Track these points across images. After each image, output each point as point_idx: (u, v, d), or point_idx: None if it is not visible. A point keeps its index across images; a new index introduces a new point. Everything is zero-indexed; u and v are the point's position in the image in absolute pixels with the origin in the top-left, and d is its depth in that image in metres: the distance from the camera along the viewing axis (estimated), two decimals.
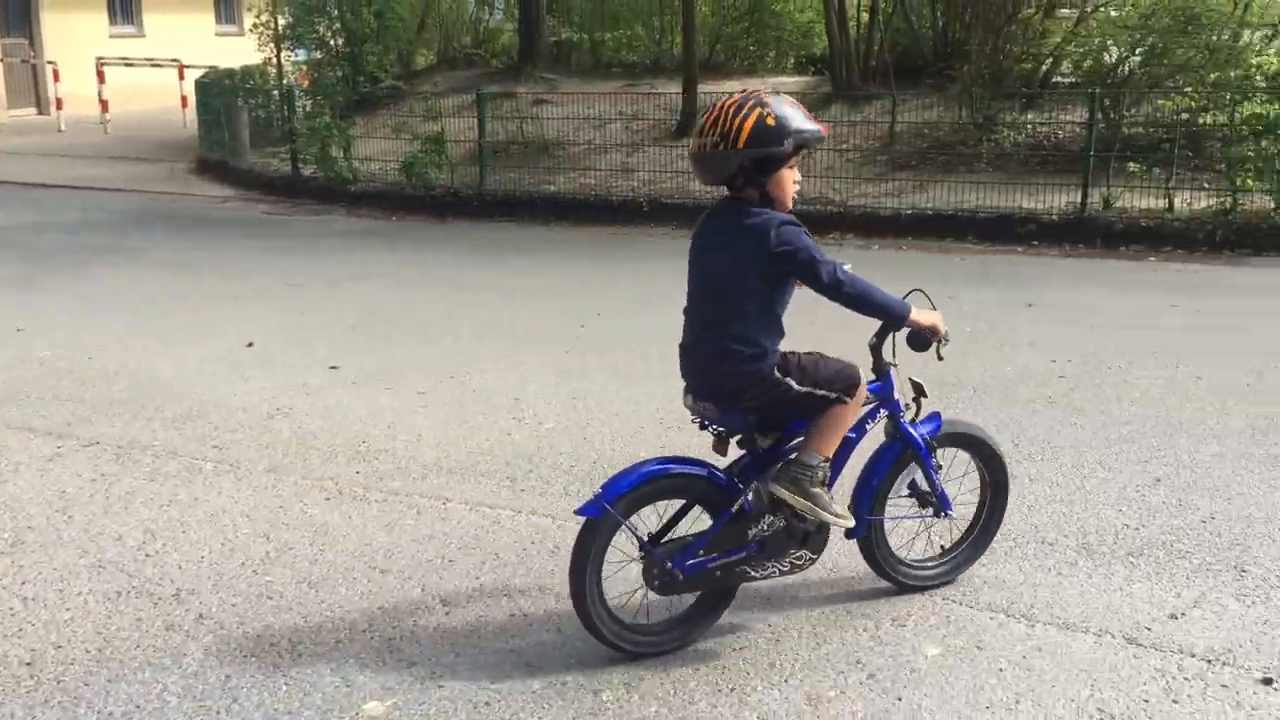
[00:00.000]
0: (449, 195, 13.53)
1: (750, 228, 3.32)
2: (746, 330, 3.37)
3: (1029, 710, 3.16)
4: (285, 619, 3.73)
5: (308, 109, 15.36)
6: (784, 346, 3.46)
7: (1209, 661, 3.42)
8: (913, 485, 3.85)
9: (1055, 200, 10.94)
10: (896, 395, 3.71)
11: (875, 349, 3.66)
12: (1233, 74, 10.61)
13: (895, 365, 3.69)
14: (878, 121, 13.33)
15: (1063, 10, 13.35)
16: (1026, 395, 6.00)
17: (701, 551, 3.45)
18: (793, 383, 3.39)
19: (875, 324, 3.58)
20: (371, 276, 9.43)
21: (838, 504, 3.50)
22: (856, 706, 3.20)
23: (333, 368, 6.70)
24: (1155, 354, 6.66)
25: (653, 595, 3.48)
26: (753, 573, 3.54)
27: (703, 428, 3.60)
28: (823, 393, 3.42)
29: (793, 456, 3.47)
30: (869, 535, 3.75)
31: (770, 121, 3.24)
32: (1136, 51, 11.93)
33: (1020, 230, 10.78)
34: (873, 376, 3.64)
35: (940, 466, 3.84)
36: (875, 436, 3.75)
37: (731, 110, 3.26)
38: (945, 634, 3.59)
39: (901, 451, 3.75)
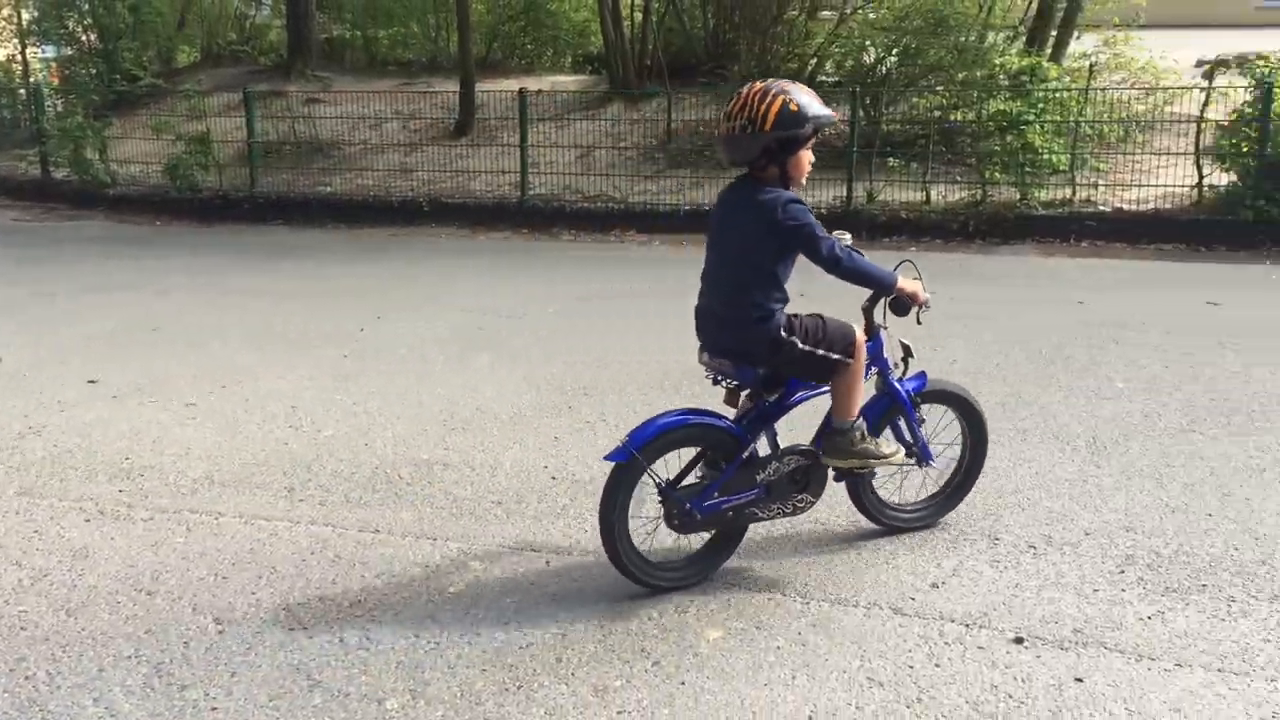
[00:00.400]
0: (217, 198, 12.98)
1: (763, 203, 3.68)
2: (756, 295, 3.74)
3: (804, 684, 3.29)
4: (42, 650, 3.50)
5: (59, 109, 14.44)
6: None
7: (967, 625, 3.64)
8: (898, 435, 4.21)
9: (824, 195, 11.41)
10: (886, 354, 4.13)
11: (867, 313, 4.06)
12: (979, 73, 11.31)
13: (885, 328, 4.09)
14: (655, 119, 13.56)
15: (825, 12, 13.92)
16: None
17: (716, 494, 3.85)
18: (797, 341, 3.77)
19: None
20: (132, 284, 8.95)
21: (886, 445, 4.03)
22: (642, 694, 3.25)
23: (90, 381, 6.33)
24: (914, 341, 7.01)
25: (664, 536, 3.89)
26: (760, 514, 3.96)
27: (715, 383, 3.95)
28: (823, 353, 3.82)
29: (829, 429, 3.95)
30: (857, 481, 4.17)
31: (794, 107, 3.62)
32: (893, 52, 12.57)
33: None
34: (865, 337, 4.00)
35: (923, 420, 4.25)
36: (866, 391, 4.05)
37: (757, 97, 3.63)
38: (726, 617, 3.69)
39: (889, 405, 4.17)
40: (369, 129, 14.21)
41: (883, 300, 3.98)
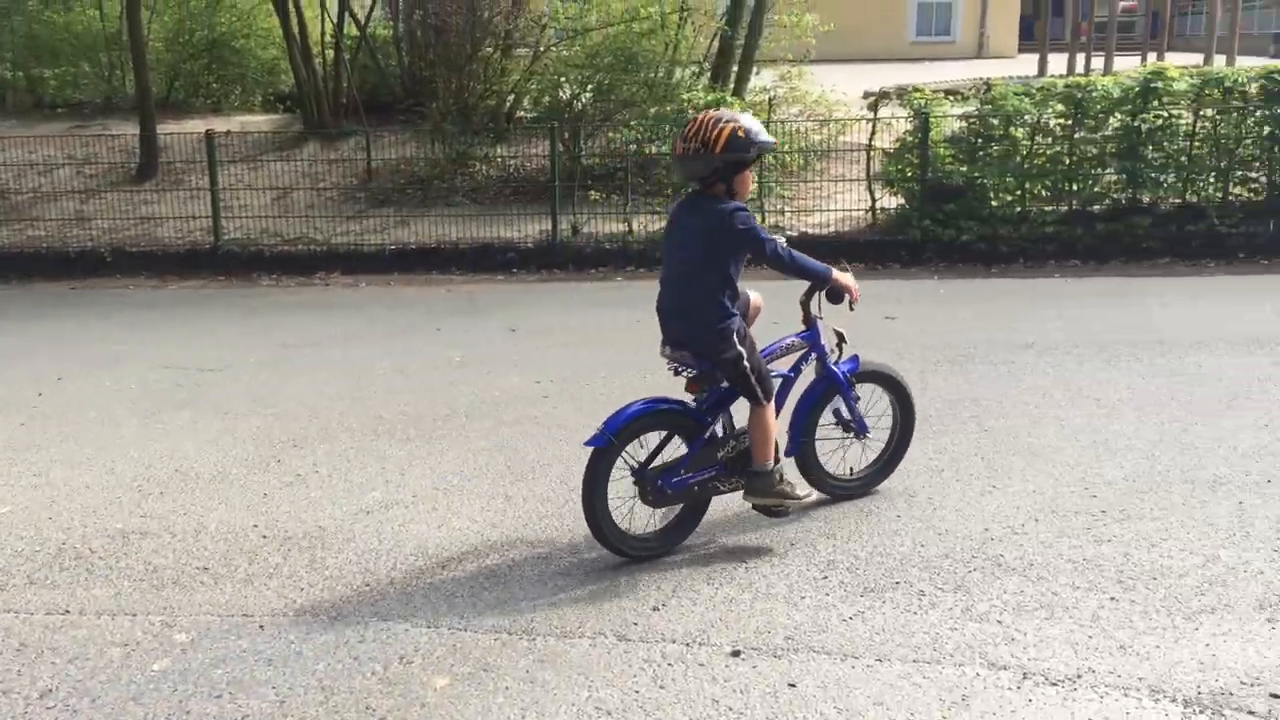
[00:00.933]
0: None
1: (718, 212, 4.24)
2: (713, 294, 4.28)
3: None
4: None
5: None
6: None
7: (687, 644, 3.76)
8: (837, 414, 4.82)
9: (530, 229, 11.55)
10: (823, 341, 4.72)
11: (805, 304, 4.62)
12: (669, 108, 11.79)
13: (821, 318, 4.68)
14: (354, 159, 13.30)
15: (520, 50, 14.12)
16: (514, 416, 6.27)
17: (684, 471, 4.41)
18: (744, 354, 4.33)
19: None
20: None
21: (800, 487, 4.64)
22: None
23: None
24: (627, 367, 7.23)
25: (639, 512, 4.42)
26: (721, 487, 4.52)
27: (676, 374, 4.48)
28: (754, 382, 4.36)
29: (751, 470, 4.45)
30: (804, 455, 4.76)
31: (741, 134, 4.20)
32: (587, 88, 12.89)
33: (501, 259, 11.25)
34: (804, 328, 4.67)
35: (859, 398, 4.84)
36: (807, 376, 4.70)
37: (710, 123, 4.21)
38: (452, 663, 3.65)
39: (827, 387, 4.79)
40: (38, 176, 13.19)
41: (819, 292, 4.55)
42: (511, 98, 14.04)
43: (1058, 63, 21.85)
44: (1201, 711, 3.32)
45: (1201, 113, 10.32)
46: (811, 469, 4.82)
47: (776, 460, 4.48)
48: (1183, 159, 10.38)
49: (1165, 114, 10.31)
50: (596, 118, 12.66)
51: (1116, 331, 7.62)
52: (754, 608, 4.01)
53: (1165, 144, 10.36)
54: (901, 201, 10.99)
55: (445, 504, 5.07)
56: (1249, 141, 10.25)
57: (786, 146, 11.71)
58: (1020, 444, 5.57)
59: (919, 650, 3.69)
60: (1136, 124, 10.26)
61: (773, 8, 13.86)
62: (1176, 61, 17.67)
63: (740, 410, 4.53)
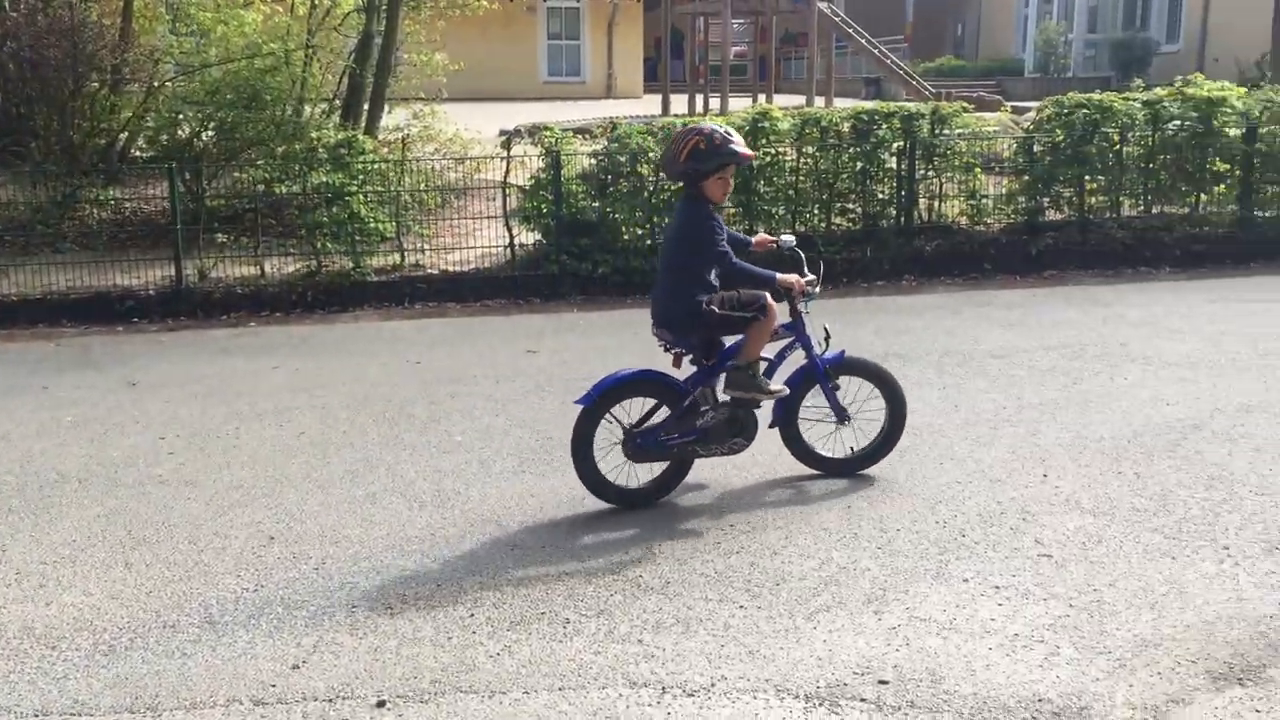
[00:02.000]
0: None
1: (683, 213, 5.10)
2: (683, 281, 5.02)
3: None
4: None
5: None
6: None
7: (330, 700, 3.63)
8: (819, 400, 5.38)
9: (152, 275, 10.81)
10: (809, 333, 5.27)
11: (789, 300, 5.18)
12: (298, 146, 11.42)
13: (807, 312, 5.25)
14: None
15: (133, 85, 13.22)
16: (134, 477, 5.83)
17: (661, 433, 5.14)
18: (714, 309, 4.99)
19: None
20: None
21: (774, 383, 5.24)
22: None
23: None
24: (261, 416, 6.91)
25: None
26: (700, 451, 5.21)
27: (665, 350, 5.20)
28: (738, 314, 5.02)
29: (732, 365, 5.10)
30: (787, 430, 5.41)
31: (702, 146, 4.92)
32: (209, 126, 12.28)
33: (119, 308, 10.46)
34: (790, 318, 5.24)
35: (838, 387, 5.39)
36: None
37: (681, 136, 5.00)
38: None
39: (807, 374, 5.36)
40: None
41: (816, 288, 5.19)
42: (124, 136, 13.11)
43: (680, 102, 23.15)
44: (820, 704, 3.58)
45: (804, 150, 11.24)
46: (794, 442, 5.46)
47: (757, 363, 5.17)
48: (790, 192, 11.25)
49: (773, 151, 11.14)
50: (220, 157, 12.07)
51: None
52: (400, 654, 3.94)
53: (774, 179, 11.19)
54: (539, 237, 11.21)
55: (55, 578, 4.63)
56: (845, 176, 11.26)
57: (423, 185, 11.66)
58: (656, 468, 5.79)
59: (564, 678, 3.75)
60: None
61: (402, 46, 13.79)
62: (784, 102, 19.16)
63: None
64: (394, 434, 6.49)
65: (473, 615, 4.22)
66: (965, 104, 12.03)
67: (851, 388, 5.51)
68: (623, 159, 10.93)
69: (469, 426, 6.58)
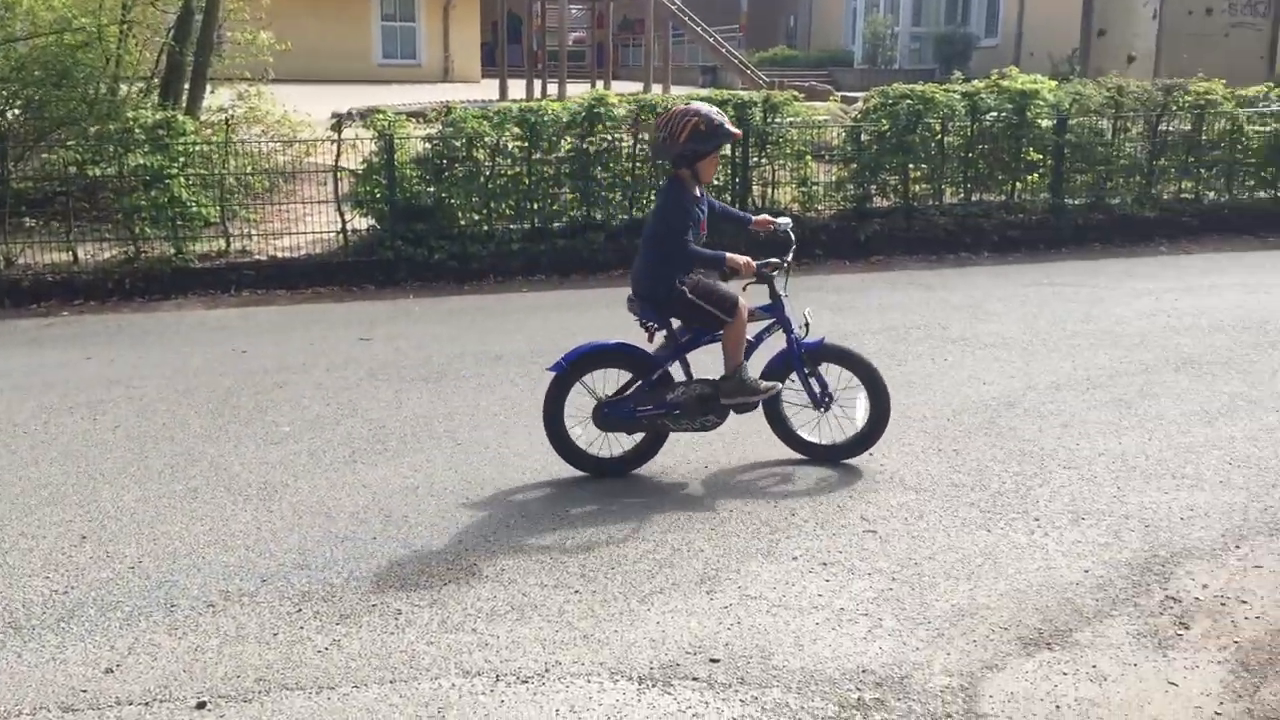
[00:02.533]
0: None
1: (663, 192, 5.30)
2: (661, 260, 5.13)
3: None
4: None
5: None
6: None
7: (146, 704, 3.48)
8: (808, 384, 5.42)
9: None
10: (789, 315, 5.33)
11: (768, 281, 5.23)
12: (113, 126, 10.87)
13: (786, 295, 5.31)
14: None
15: None
16: None
17: (631, 405, 5.24)
18: (686, 290, 5.10)
19: None
20: None
21: (764, 384, 5.30)
22: None
23: None
24: (73, 410, 6.57)
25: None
26: (672, 426, 5.31)
27: (641, 325, 5.27)
28: (708, 308, 5.11)
29: (721, 377, 5.26)
30: (771, 412, 5.51)
31: (703, 127, 5.03)
32: (15, 104, 11.58)
33: None
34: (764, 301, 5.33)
35: (815, 374, 5.40)
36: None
37: (679, 115, 5.06)
38: None
39: (785, 359, 5.40)
40: None
41: (777, 271, 5.22)
42: None
43: (518, 88, 22.97)
44: (653, 686, 3.61)
45: (640, 136, 11.30)
46: (776, 423, 5.55)
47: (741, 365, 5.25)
48: (627, 178, 11.29)
49: (609, 137, 11.16)
50: (28, 137, 11.40)
51: (576, 339, 8.10)
52: (222, 653, 3.80)
53: (612, 164, 11.21)
54: (373, 222, 10.97)
55: None
56: None
57: (249, 168, 11.26)
58: (491, 453, 5.75)
59: (396, 670, 3.69)
60: (585, 146, 11.02)
61: (225, 23, 13.26)
62: (622, 89, 19.22)
63: (699, 361, 5.38)
64: (218, 426, 6.25)
65: (300, 610, 4.11)
66: (796, 93, 12.29)
67: (832, 375, 5.48)
68: (458, 143, 10.79)
69: (297, 417, 6.39)
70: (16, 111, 11.63)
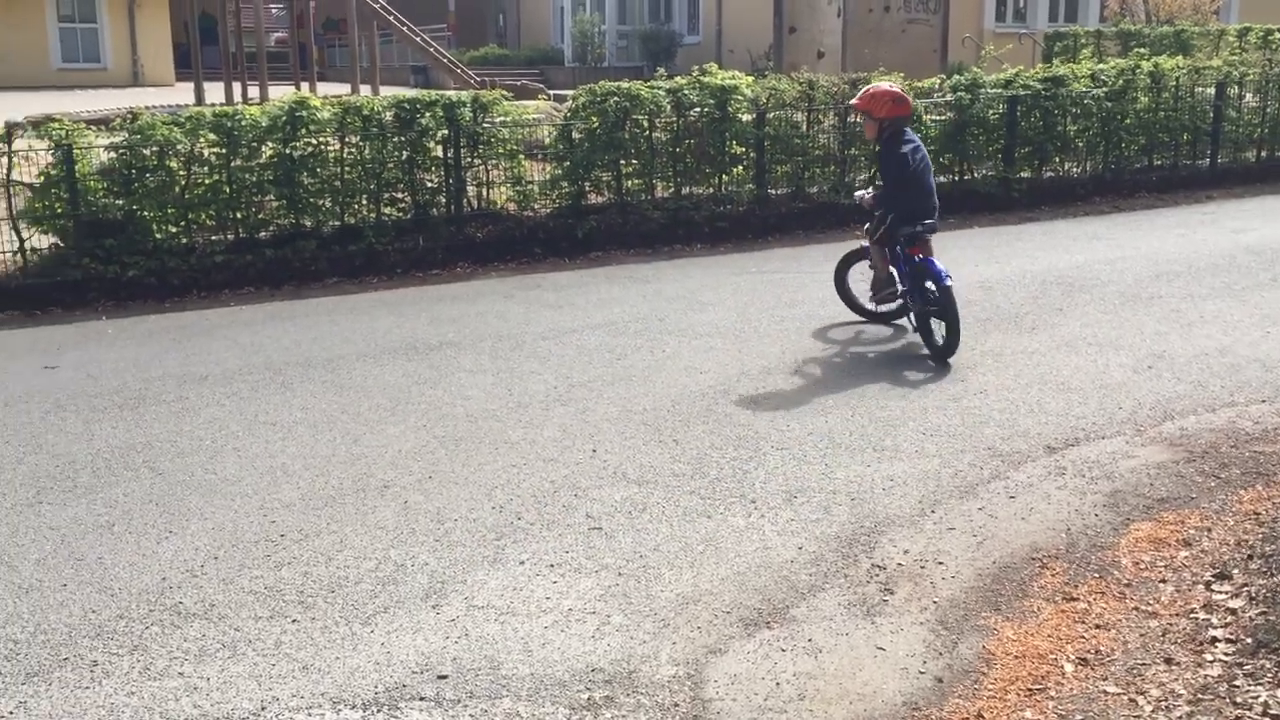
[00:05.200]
0: None
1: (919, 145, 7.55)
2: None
3: None
4: None
5: None
6: None
7: None
8: None
9: None
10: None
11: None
12: None
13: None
14: None
15: None
16: None
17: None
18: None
19: None
20: None
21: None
22: None
23: None
24: None
25: None
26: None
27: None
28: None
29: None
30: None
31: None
32: None
33: None
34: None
35: None
36: None
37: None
38: None
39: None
40: None
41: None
42: None
43: (215, 90, 21.82)
44: (379, 710, 3.49)
45: (348, 139, 10.95)
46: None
47: None
48: (336, 184, 10.92)
49: (314, 142, 10.76)
50: None
51: (289, 353, 7.78)
52: None
53: (319, 170, 10.80)
54: (55, 240, 10.12)
55: None
56: (391, 165, 11.10)
57: None
58: (197, 481, 5.41)
59: None
60: (289, 151, 10.56)
61: None
62: (329, 91, 18.61)
63: None
64: None
65: None
66: (505, 92, 12.24)
67: None
68: (147, 151, 10.11)
69: None
70: None
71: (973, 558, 4.48)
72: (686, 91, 11.99)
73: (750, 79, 12.64)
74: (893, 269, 7.55)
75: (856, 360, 7.23)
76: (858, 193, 8.22)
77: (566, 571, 4.39)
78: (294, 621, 4.04)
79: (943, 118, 13.24)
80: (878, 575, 4.33)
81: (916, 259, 7.22)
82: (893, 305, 7.77)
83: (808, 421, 6.06)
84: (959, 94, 13.15)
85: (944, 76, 14.31)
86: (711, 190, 12.32)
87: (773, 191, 12.53)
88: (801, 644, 3.84)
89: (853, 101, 8.12)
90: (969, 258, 10.48)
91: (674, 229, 11.89)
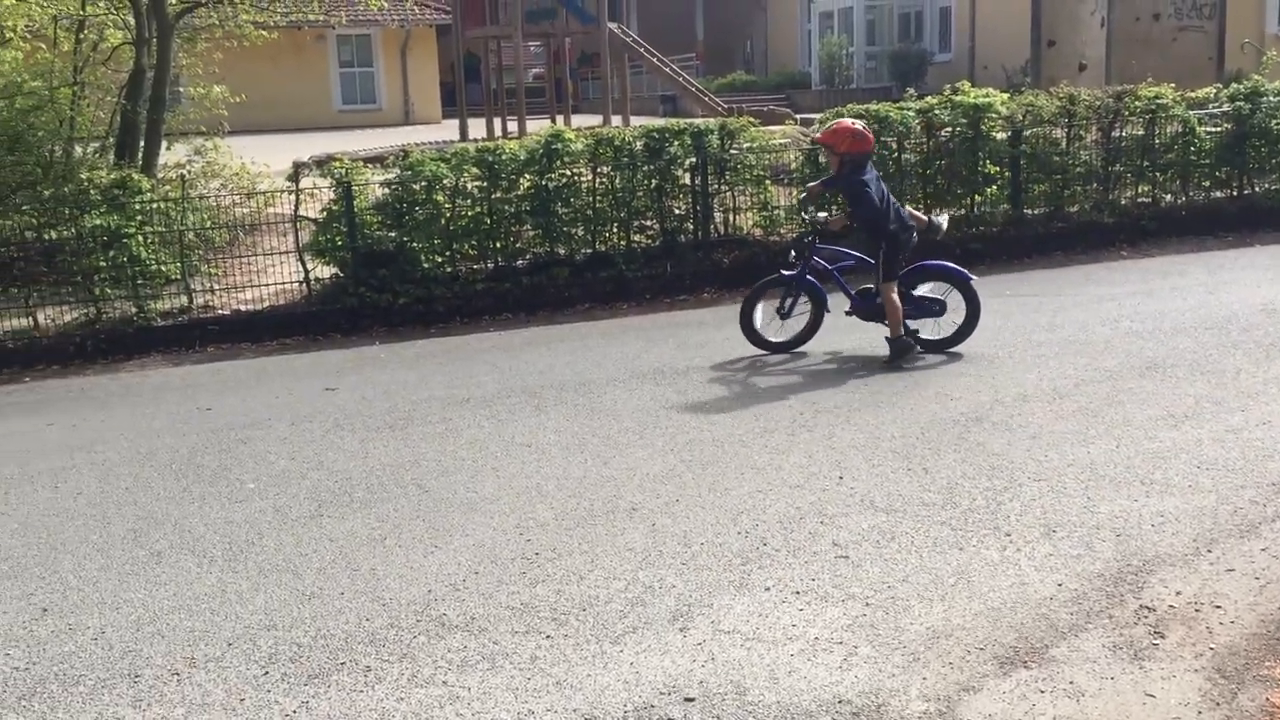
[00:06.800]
0: None
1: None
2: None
3: None
4: None
5: None
6: None
7: None
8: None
9: None
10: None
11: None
12: (68, 188, 10.82)
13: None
14: None
15: None
16: None
17: None
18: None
19: None
20: None
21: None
22: None
23: None
24: (33, 479, 6.47)
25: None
26: None
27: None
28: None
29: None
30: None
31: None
32: None
33: None
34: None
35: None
36: None
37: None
38: None
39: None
40: None
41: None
42: None
43: (478, 127, 22.99)
44: None
45: (599, 169, 11.31)
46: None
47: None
48: (588, 212, 11.29)
49: (568, 173, 11.16)
50: None
51: (544, 377, 8.08)
52: None
53: (572, 199, 11.21)
54: (335, 271, 10.92)
55: None
56: (641, 194, 11.38)
57: (208, 223, 11.20)
58: (460, 499, 5.69)
59: None
60: (545, 183, 11.01)
61: (178, 79, 13.22)
62: (582, 123, 19.27)
63: None
64: (181, 487, 6.17)
65: (267, 673, 4.04)
66: (752, 118, 12.33)
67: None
68: (417, 187, 10.76)
69: (262, 472, 6.32)
70: None
71: (1254, 602, 4.15)
72: (937, 111, 11.73)
73: (1005, 96, 12.24)
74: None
75: (1122, 388, 6.84)
76: (821, 215, 8.90)
77: (813, 599, 4.36)
78: (548, 637, 4.18)
79: (1219, 129, 12.40)
80: (1146, 617, 4.08)
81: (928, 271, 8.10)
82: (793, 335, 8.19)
83: (1067, 452, 5.78)
84: (1238, 103, 12.29)
85: (1220, 85, 13.38)
86: (963, 211, 11.98)
87: (1028, 211, 12.07)
88: (1062, 686, 3.67)
89: (815, 136, 8.83)
90: (1250, 278, 9.76)
91: (920, 251, 11.61)
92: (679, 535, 5.05)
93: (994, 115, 11.73)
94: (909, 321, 7.85)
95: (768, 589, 4.47)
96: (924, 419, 6.48)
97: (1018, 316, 9.01)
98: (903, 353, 7.69)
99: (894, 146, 11.65)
